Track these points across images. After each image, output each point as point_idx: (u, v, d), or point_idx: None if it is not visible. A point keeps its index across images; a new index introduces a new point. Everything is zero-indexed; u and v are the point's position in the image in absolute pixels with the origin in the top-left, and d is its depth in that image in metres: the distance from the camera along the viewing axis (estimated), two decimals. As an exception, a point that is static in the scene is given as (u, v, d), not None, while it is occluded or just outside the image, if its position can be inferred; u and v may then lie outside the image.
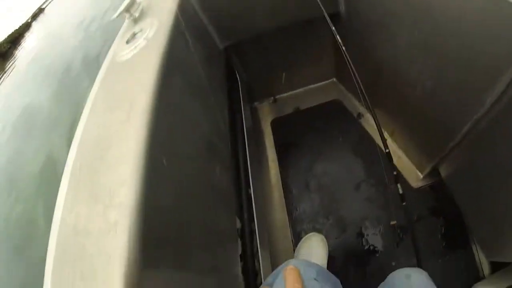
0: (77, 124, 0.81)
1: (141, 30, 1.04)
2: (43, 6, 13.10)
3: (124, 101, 0.75)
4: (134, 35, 1.05)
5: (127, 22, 1.21)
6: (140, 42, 0.96)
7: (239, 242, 1.20)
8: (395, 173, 1.05)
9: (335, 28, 1.65)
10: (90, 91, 0.91)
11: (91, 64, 6.23)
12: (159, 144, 0.68)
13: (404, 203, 1.09)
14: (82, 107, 0.86)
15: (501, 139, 0.91)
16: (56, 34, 9.55)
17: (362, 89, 1.08)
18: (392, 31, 1.25)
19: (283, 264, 0.74)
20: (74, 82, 6.07)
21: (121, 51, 0.99)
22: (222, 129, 1.31)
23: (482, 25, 0.77)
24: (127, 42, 1.03)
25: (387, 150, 1.02)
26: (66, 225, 0.59)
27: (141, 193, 0.57)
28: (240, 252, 1.18)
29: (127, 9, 1.14)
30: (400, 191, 1.07)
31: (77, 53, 7.27)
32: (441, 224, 1.43)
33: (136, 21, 1.16)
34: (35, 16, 12.65)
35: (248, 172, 1.46)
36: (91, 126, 0.78)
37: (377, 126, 1.04)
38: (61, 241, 0.58)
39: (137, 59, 0.91)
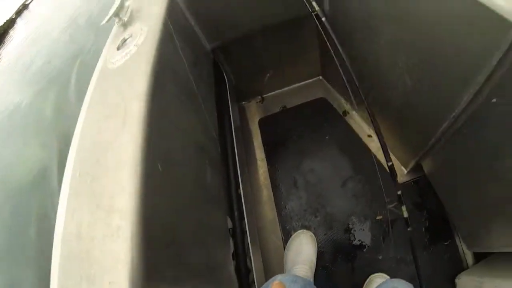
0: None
1: (131, 36, 1.06)
2: (27, 2, 12.82)
3: (118, 109, 0.78)
4: (124, 40, 1.07)
5: (116, 26, 1.22)
6: (131, 48, 0.98)
7: (231, 241, 1.23)
8: (399, 192, 1.03)
9: (320, 25, 1.68)
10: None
11: (75, 62, 6.19)
12: (154, 151, 0.71)
13: (409, 229, 1.06)
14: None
15: (475, 137, 0.96)
16: (41, 32, 9.44)
17: (356, 83, 1.08)
18: (374, 32, 1.29)
19: (270, 279, 0.77)
20: (59, 81, 6.02)
21: (112, 58, 1.01)
22: (211, 131, 1.33)
23: (457, 29, 0.81)
24: (118, 48, 1.05)
25: (389, 164, 1.00)
26: (69, 231, 0.62)
27: (140, 199, 0.60)
28: (232, 250, 1.21)
29: (116, 14, 1.15)
30: (405, 215, 1.03)
31: (62, 52, 7.20)
32: (425, 218, 1.48)
33: (125, 25, 1.17)
34: (19, 13, 12.39)
35: (237, 172, 1.48)
36: (88, 133, 0.81)
37: (380, 144, 1.02)
38: (65, 246, 0.61)
39: (129, 66, 0.93)
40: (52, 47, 7.79)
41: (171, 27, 1.14)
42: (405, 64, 1.13)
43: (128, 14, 1.21)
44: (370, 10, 1.22)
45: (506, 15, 0.64)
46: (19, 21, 11.89)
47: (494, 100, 0.80)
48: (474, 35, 0.76)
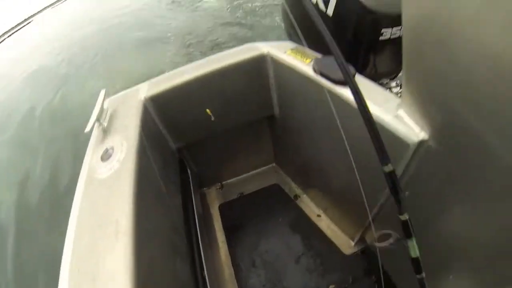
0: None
1: (112, 149, 1.25)
2: None
3: (109, 221, 0.98)
4: (107, 151, 1.25)
5: (97, 131, 1.39)
6: (114, 164, 1.17)
7: None
8: None
9: (272, 127, 1.98)
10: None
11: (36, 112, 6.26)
12: (140, 259, 0.90)
13: None
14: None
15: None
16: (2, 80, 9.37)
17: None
18: (314, 135, 1.58)
19: None
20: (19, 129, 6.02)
21: (98, 168, 1.19)
22: (178, 225, 1.51)
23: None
24: (102, 159, 1.23)
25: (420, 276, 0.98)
26: None
27: None
28: None
29: (98, 119, 1.33)
30: None
31: (23, 100, 7.20)
32: (374, 281, 1.66)
33: (105, 131, 1.36)
34: None
35: (201, 256, 1.61)
36: (82, 237, 0.99)
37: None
38: None
39: (114, 181, 1.12)
40: (14, 95, 7.75)
41: (145, 140, 1.34)
42: (341, 164, 1.38)
43: (107, 119, 1.41)
44: (309, 119, 1.51)
45: (403, 138, 0.97)
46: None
47: (407, 193, 1.06)
48: (388, 147, 1.05)
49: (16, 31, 11.90)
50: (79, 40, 9.53)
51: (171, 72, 1.65)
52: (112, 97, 1.62)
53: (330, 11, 1.69)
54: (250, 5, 8.26)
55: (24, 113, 6.71)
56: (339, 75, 1.25)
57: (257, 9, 7.94)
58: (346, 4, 1.63)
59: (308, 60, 1.44)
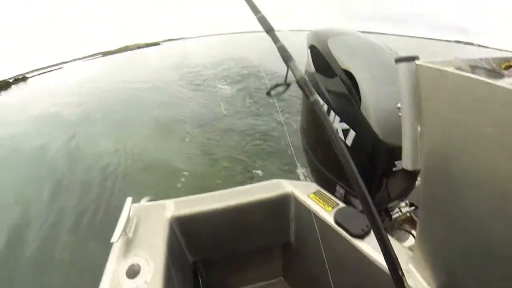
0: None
1: (139, 266, 1.31)
2: (28, 75, 13.06)
3: None
4: (133, 267, 1.30)
5: (121, 240, 1.43)
6: (141, 284, 1.24)
7: None
8: None
9: (286, 256, 2.07)
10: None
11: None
12: None
13: None
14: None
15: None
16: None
17: None
18: (326, 267, 1.63)
19: None
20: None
21: (122, 284, 1.25)
22: None
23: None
24: (127, 275, 1.28)
25: None
26: None
27: None
28: None
29: (124, 229, 1.38)
30: None
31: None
32: None
33: (130, 242, 1.43)
34: (17, 80, 12.44)
35: None
36: None
37: None
38: None
39: None
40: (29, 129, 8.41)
41: (169, 259, 1.42)
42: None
43: (132, 230, 1.49)
44: (326, 256, 1.58)
45: None
46: (14, 87, 12.01)
47: None
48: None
49: (46, 72, 12.64)
50: (100, 98, 10.11)
51: (198, 196, 1.78)
52: (137, 205, 1.70)
53: (349, 142, 1.83)
54: (259, 94, 8.81)
55: (38, 147, 7.00)
56: (357, 229, 1.38)
57: (261, 101, 8.46)
58: (364, 136, 1.76)
59: (329, 208, 1.58)
